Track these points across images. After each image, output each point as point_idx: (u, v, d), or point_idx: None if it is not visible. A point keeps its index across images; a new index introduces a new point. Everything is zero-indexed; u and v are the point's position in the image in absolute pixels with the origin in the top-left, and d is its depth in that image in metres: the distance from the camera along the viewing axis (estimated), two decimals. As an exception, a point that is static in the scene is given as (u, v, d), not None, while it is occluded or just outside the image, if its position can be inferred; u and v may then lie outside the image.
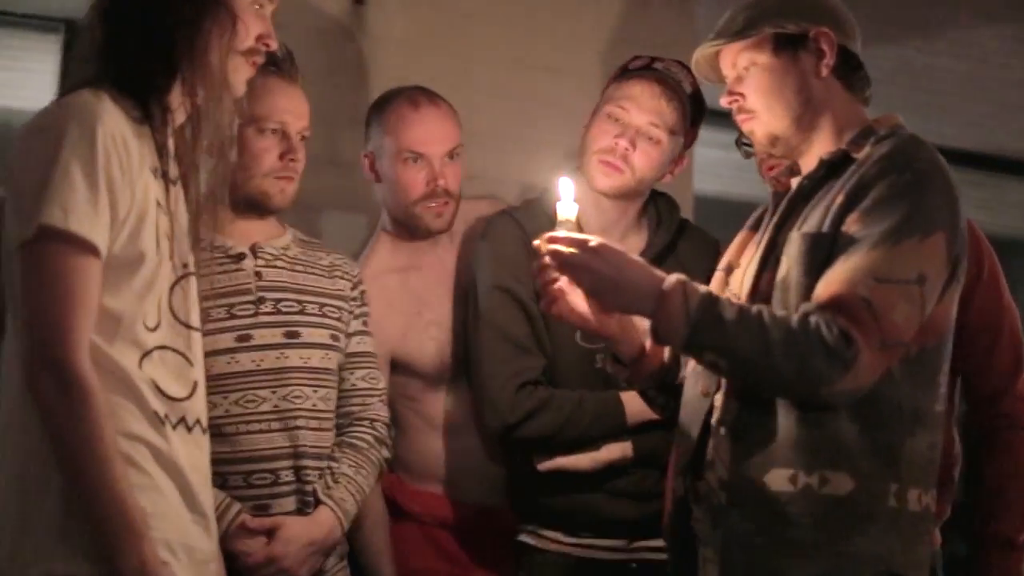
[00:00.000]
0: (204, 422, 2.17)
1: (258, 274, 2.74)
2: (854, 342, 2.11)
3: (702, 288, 2.21)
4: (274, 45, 2.24)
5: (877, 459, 2.20)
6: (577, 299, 2.34)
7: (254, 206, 2.76)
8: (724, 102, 2.43)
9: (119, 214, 2.00)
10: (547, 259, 2.30)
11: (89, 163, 1.97)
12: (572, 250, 2.26)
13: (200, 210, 2.16)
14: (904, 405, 2.22)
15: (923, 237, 2.17)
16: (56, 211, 1.94)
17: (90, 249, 1.96)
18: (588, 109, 3.06)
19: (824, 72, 2.35)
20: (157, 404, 2.06)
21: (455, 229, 3.21)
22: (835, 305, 2.14)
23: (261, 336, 2.69)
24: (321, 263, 2.86)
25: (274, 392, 2.66)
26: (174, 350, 2.11)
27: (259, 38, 2.21)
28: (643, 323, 2.30)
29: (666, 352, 2.48)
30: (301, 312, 2.75)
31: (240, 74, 2.20)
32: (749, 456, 2.24)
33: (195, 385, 2.14)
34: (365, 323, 2.90)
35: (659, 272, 2.25)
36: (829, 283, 2.17)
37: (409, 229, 3.15)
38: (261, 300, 2.72)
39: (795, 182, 2.40)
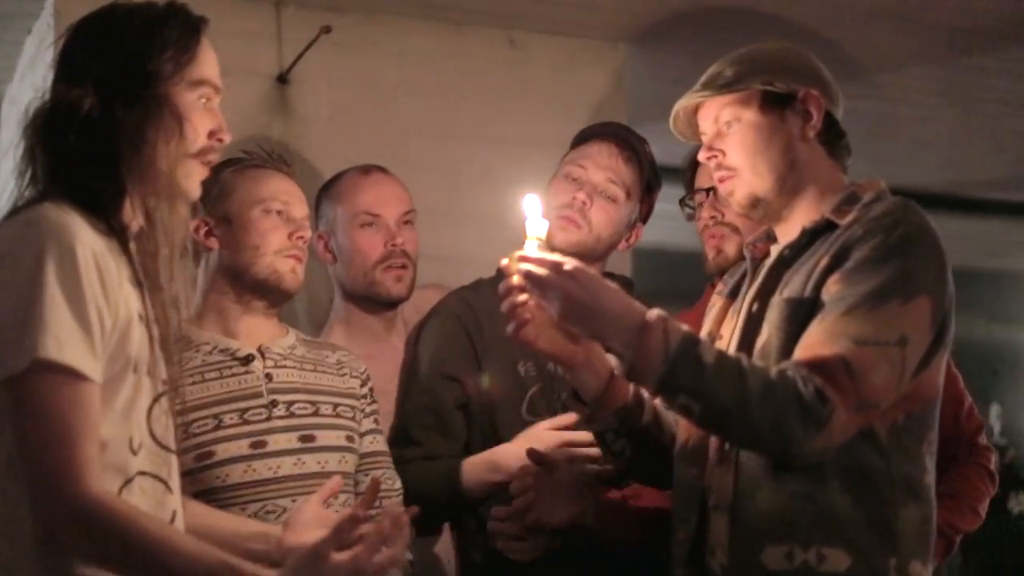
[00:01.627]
0: None
1: (268, 376, 2.63)
2: (828, 401, 2.04)
3: (684, 327, 2.10)
4: (227, 139, 2.10)
5: (872, 532, 2.12)
6: (546, 325, 2.20)
7: (264, 291, 2.65)
8: (702, 156, 2.35)
9: (105, 333, 1.88)
10: (516, 279, 2.16)
11: (74, 286, 1.84)
12: (544, 271, 2.13)
13: (169, 320, 2.02)
14: (895, 475, 2.15)
15: (905, 300, 2.10)
16: (49, 342, 1.81)
17: (85, 377, 1.85)
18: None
19: (810, 135, 2.29)
20: None
21: (408, 318, 3.15)
22: (812, 364, 2.07)
23: (276, 441, 2.56)
24: (329, 361, 2.75)
25: (294, 501, 2.51)
26: (154, 476, 1.97)
27: (211, 134, 2.06)
28: (610, 357, 2.18)
29: (630, 392, 2.35)
30: (315, 414, 2.64)
31: (193, 177, 2.06)
32: (745, 535, 2.15)
33: (173, 515, 2.01)
34: (376, 421, 2.79)
35: (639, 304, 2.13)
36: (808, 343, 2.11)
37: (369, 300, 3.08)
38: (274, 403, 2.60)
39: (774, 249, 2.33)
